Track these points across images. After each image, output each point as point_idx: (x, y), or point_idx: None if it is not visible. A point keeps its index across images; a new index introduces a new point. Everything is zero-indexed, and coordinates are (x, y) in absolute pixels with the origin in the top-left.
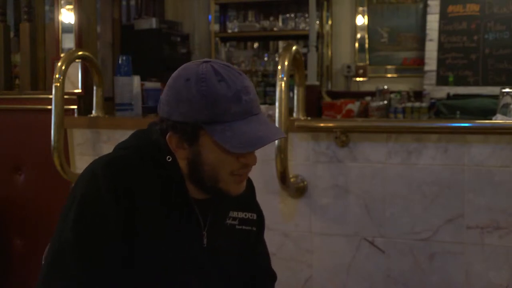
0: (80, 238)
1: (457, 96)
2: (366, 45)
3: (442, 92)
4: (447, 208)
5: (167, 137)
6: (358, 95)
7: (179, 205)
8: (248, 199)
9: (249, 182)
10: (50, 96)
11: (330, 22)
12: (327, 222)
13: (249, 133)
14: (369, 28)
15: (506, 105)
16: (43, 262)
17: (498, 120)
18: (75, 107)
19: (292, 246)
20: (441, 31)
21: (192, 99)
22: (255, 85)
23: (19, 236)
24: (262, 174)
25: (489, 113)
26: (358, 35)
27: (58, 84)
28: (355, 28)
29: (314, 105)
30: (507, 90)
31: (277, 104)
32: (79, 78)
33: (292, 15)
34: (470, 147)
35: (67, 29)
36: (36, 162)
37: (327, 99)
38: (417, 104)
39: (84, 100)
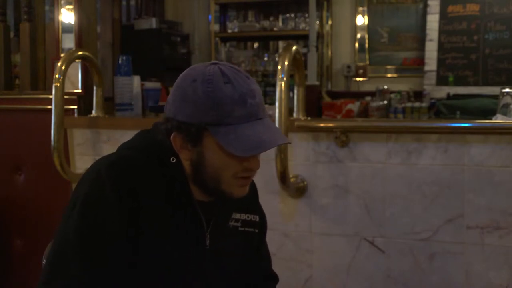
0: (82, 238)
1: (457, 96)
2: (366, 45)
3: (442, 92)
4: (447, 208)
5: (171, 137)
6: (358, 95)
7: (183, 206)
8: (251, 201)
9: (252, 185)
10: (50, 96)
11: (330, 22)
12: (327, 222)
13: (252, 136)
14: (369, 28)
15: (506, 105)
16: (44, 262)
17: (498, 120)
18: (75, 107)
19: (292, 246)
20: (441, 31)
21: (198, 100)
22: None
23: (19, 236)
24: (262, 174)
25: (489, 113)
26: (358, 35)
27: (58, 84)
28: (355, 28)
29: (314, 105)
30: (507, 90)
31: (277, 104)
32: (79, 78)
33: (292, 15)
34: (470, 147)
35: (67, 29)
36: (36, 162)
37: (327, 99)
38: (417, 104)
39: (84, 100)
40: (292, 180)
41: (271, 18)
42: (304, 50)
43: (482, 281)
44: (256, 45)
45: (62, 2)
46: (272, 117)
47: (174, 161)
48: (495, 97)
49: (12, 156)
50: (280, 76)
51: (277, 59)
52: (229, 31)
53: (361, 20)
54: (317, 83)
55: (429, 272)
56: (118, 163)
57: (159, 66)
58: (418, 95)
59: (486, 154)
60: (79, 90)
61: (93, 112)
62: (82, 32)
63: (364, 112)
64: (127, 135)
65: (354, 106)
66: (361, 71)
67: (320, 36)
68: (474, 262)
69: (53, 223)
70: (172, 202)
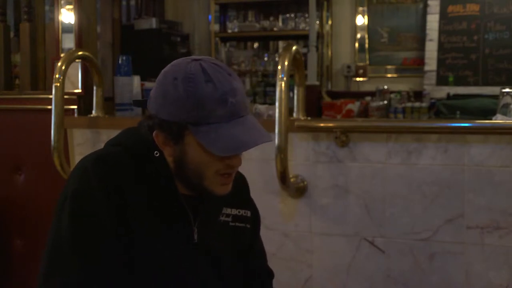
0: (76, 236)
1: (457, 96)
2: (366, 45)
3: (442, 92)
4: (447, 208)
5: (154, 134)
6: (358, 95)
7: (169, 201)
8: (241, 196)
9: (242, 179)
10: (50, 96)
11: (330, 22)
12: (327, 222)
13: (232, 136)
14: (369, 28)
15: (506, 105)
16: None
17: (498, 120)
18: (75, 107)
19: (292, 246)
20: (441, 31)
21: (179, 99)
22: (255, 85)
23: (19, 236)
24: (262, 174)
25: (489, 113)
26: (358, 35)
27: (58, 84)
28: (355, 28)
29: (314, 105)
30: (507, 90)
31: (277, 104)
32: (79, 78)
33: (292, 15)
34: (470, 147)
35: (67, 29)
36: (36, 162)
37: (327, 99)
38: (417, 104)
39: (84, 100)
40: (292, 180)
41: (271, 18)
42: (304, 50)
43: (482, 281)
44: (256, 45)
45: (62, 2)
46: (272, 117)
47: (157, 155)
48: (495, 97)
49: (12, 156)
50: (280, 76)
51: (277, 59)
52: (229, 31)
53: (361, 20)
54: (317, 83)
55: (429, 272)
56: (104, 160)
57: (159, 66)
58: (418, 95)
59: (486, 154)
60: (79, 90)
61: (93, 112)
62: (82, 32)
63: (364, 112)
64: None
65: (354, 106)
66: (361, 71)
67: (320, 36)
68: (474, 262)
69: None
70: (158, 198)
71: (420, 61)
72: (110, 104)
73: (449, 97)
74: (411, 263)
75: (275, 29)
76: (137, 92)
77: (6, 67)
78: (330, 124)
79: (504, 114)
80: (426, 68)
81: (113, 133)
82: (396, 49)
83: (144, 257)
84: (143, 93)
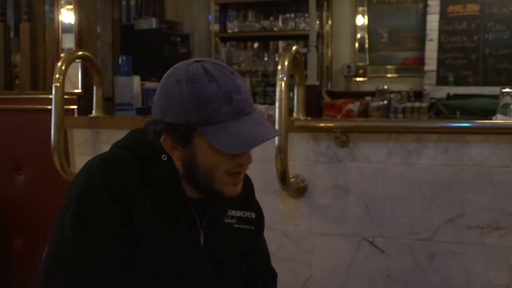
0: (79, 237)
1: (457, 96)
2: (366, 45)
3: (442, 92)
4: (447, 208)
5: (161, 139)
6: (358, 95)
7: (176, 205)
8: (246, 197)
9: (248, 181)
10: (50, 96)
11: (330, 22)
12: (327, 222)
13: (241, 133)
14: (369, 28)
15: (506, 105)
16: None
17: (498, 120)
18: (75, 107)
19: (292, 246)
20: (441, 31)
21: (183, 101)
22: (255, 85)
23: (19, 236)
24: (262, 174)
25: (489, 113)
26: (358, 35)
27: (58, 84)
28: (355, 28)
29: (314, 105)
30: (507, 90)
31: (277, 104)
32: (79, 78)
33: (292, 15)
34: (470, 147)
35: (67, 29)
36: (36, 162)
37: (327, 99)
38: (417, 104)
39: (84, 100)
40: (292, 180)
41: (271, 18)
42: (304, 50)
43: (482, 281)
44: (256, 45)
45: (62, 2)
46: (272, 117)
47: (165, 158)
48: (495, 97)
49: (12, 156)
50: (280, 76)
51: (277, 59)
52: (229, 31)
53: (361, 20)
54: (317, 83)
55: (429, 272)
56: (110, 162)
57: (159, 66)
58: (418, 95)
59: (486, 154)
60: (79, 90)
61: (93, 112)
62: (82, 32)
63: (364, 112)
64: None
65: (354, 106)
66: (361, 71)
67: (320, 36)
68: (474, 262)
69: (53, 223)
70: (165, 202)
71: (420, 61)
72: (110, 104)
73: (449, 97)
74: (411, 263)
75: (275, 29)
76: (137, 92)
77: (6, 67)
78: (330, 124)
79: (504, 114)
80: (426, 68)
81: (113, 133)
82: (396, 49)
83: (148, 260)
84: (143, 93)
